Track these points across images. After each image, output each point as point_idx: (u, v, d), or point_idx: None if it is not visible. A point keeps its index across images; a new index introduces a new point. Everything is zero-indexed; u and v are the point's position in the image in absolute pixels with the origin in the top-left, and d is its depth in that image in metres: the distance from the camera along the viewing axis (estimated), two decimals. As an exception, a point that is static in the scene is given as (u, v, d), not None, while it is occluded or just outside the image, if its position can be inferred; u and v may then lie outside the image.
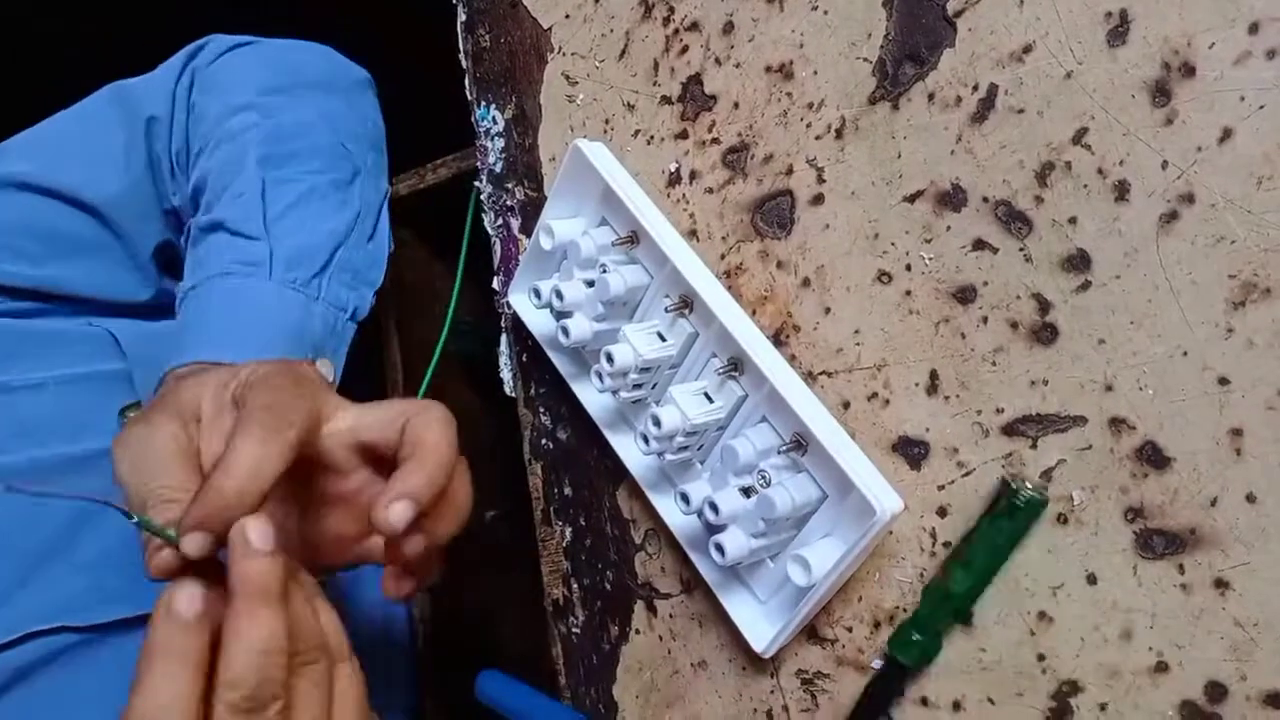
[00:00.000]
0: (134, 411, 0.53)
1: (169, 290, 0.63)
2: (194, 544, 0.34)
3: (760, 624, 0.44)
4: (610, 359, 0.43)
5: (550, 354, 0.52)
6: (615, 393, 0.46)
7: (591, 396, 0.50)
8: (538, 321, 0.52)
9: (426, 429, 0.39)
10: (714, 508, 0.40)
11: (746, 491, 0.41)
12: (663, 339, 0.45)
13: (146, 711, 0.32)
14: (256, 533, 0.34)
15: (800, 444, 0.41)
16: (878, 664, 0.42)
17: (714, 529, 0.41)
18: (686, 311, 0.44)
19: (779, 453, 0.41)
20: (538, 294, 0.47)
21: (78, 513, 0.49)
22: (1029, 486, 0.37)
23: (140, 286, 0.61)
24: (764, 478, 0.41)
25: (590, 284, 0.46)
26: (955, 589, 0.39)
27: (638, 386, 0.46)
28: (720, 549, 0.40)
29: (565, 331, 0.46)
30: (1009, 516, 0.38)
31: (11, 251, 0.54)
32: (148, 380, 0.53)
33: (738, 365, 0.43)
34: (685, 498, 0.42)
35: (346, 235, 0.59)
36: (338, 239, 0.57)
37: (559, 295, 0.46)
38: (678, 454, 0.45)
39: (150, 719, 0.32)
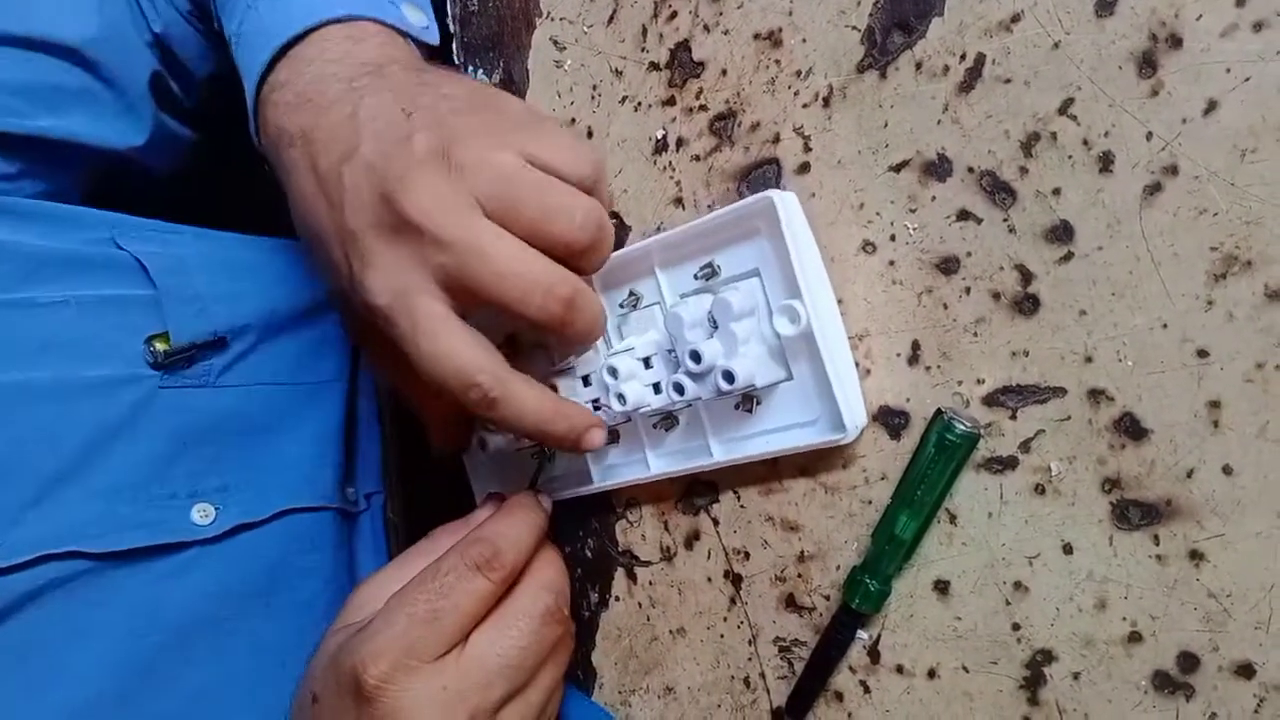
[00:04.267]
0: (160, 343, 0.52)
1: (167, 128, 0.63)
2: None
3: (830, 427, 0.41)
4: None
5: None
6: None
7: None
8: None
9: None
10: (695, 357, 0.41)
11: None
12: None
13: (493, 531, 0.44)
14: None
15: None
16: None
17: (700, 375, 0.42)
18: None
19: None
20: None
21: (94, 436, 0.49)
22: (964, 421, 0.37)
23: (134, 131, 0.60)
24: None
25: None
26: (899, 530, 0.39)
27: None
28: (729, 375, 0.40)
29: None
30: (943, 451, 0.38)
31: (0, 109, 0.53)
32: (177, 309, 0.53)
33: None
34: (691, 369, 0.42)
35: None
36: None
37: None
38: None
39: (494, 537, 0.43)
